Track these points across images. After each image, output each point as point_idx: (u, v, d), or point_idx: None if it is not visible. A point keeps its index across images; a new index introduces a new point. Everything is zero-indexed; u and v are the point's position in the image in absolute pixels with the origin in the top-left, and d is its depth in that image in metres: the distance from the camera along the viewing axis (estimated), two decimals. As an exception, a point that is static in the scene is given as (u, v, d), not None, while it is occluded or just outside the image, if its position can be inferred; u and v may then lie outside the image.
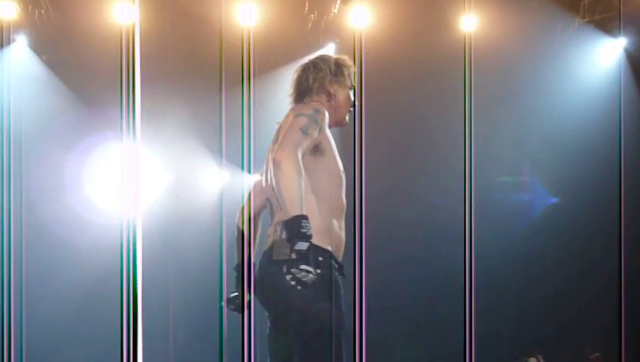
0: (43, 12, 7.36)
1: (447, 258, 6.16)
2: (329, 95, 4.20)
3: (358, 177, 4.46)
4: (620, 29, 7.91)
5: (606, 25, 7.92)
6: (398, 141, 7.45)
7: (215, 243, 4.67)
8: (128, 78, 4.59)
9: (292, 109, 4.17)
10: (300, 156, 3.84)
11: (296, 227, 3.69)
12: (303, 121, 3.93)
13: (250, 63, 5.29)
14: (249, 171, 5.18)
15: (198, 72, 7.47)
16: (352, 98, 4.24)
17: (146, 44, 6.83)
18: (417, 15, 7.73)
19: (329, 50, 8.30)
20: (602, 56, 8.04)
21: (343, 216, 4.08)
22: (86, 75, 7.50)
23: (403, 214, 7.48)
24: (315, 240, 3.76)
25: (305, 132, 3.91)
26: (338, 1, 7.63)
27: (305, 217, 3.70)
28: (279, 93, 7.81)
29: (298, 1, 7.80)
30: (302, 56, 8.22)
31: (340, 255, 4.03)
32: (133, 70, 4.39)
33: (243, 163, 5.01)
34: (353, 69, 4.26)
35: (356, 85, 4.37)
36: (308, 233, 3.68)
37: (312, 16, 7.92)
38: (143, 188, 7.26)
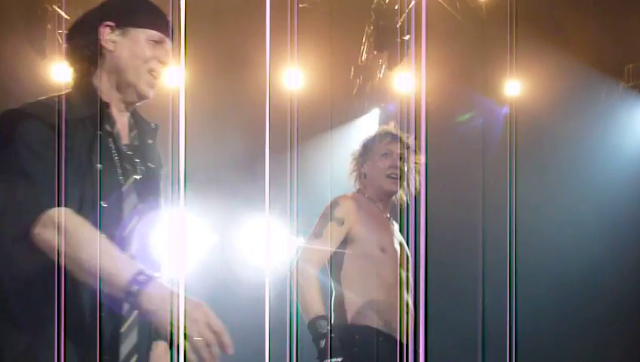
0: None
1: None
2: (362, 175, 4.52)
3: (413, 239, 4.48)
4: (665, 93, 7.89)
5: (651, 89, 7.91)
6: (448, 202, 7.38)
7: (259, 304, 4.69)
8: (173, 142, 4.68)
9: (336, 197, 4.43)
10: (316, 264, 4.17)
11: (313, 329, 4.00)
12: (319, 225, 4.28)
13: (295, 127, 5.36)
14: (295, 233, 5.31)
15: (242, 135, 7.56)
16: (388, 163, 4.43)
17: (191, 107, 6.97)
18: (462, 79, 7.79)
19: (374, 114, 8.38)
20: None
21: (398, 290, 4.22)
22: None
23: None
24: (354, 319, 4.11)
25: (318, 236, 4.24)
26: (383, 67, 7.72)
27: (322, 317, 4.01)
28: (324, 158, 7.94)
29: (344, 66, 7.91)
30: (348, 121, 8.33)
31: (393, 327, 4.15)
32: (177, 133, 4.48)
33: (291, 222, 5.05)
34: (386, 133, 4.52)
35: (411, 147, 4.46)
36: (322, 332, 3.96)
37: (358, 81, 8.02)
38: (188, 251, 7.35)
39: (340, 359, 3.94)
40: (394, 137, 4.51)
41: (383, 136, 4.52)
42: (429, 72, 7.81)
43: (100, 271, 2.18)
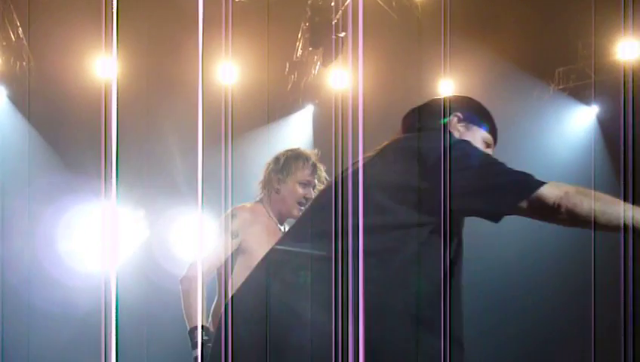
0: (25, 64, 7.40)
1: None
2: (274, 189, 4.49)
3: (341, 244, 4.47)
4: (593, 97, 8.05)
5: (580, 93, 8.06)
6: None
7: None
8: (106, 135, 4.62)
9: (235, 208, 4.45)
10: (205, 275, 4.27)
11: (190, 337, 4.18)
12: (213, 236, 4.36)
13: (229, 122, 5.33)
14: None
15: (175, 130, 7.49)
16: (307, 192, 4.49)
17: (124, 99, 6.89)
18: (395, 77, 7.83)
19: (308, 110, 8.39)
20: (575, 123, 8.16)
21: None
22: (65, 129, 7.52)
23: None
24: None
25: (213, 248, 4.33)
26: (318, 63, 7.72)
27: (196, 328, 4.17)
28: (257, 153, 7.91)
29: (279, 61, 7.89)
30: (281, 116, 8.32)
31: None
32: (109, 126, 4.43)
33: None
34: (311, 164, 4.50)
35: (335, 146, 4.49)
36: (198, 342, 4.14)
37: (292, 77, 8.01)
38: (120, 246, 7.25)
39: None
40: (314, 170, 4.51)
41: (307, 164, 4.51)
42: (365, 69, 7.88)
43: None
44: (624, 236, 2.32)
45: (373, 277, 2.40)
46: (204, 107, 5.45)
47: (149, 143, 7.61)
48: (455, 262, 2.50)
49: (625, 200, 2.44)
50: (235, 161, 6.28)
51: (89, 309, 6.79)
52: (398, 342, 2.41)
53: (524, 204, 2.39)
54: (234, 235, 4.34)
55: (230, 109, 6.65)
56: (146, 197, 7.53)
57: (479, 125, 2.81)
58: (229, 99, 7.00)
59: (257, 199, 4.55)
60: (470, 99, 2.91)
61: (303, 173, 4.47)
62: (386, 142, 2.71)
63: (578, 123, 8.17)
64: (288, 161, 4.50)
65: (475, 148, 2.62)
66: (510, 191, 2.43)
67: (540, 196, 2.39)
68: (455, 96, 2.95)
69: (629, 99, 5.45)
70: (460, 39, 6.69)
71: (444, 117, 2.75)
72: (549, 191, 2.39)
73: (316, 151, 4.59)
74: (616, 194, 2.62)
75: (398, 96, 7.87)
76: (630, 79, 6.76)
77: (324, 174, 4.51)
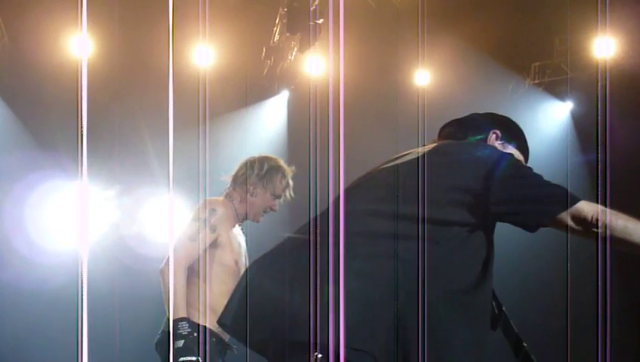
0: (-2, 42, 7.32)
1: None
2: (250, 193, 4.65)
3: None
4: (567, 93, 8.09)
5: (555, 88, 8.10)
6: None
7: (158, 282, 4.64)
8: (78, 115, 4.58)
9: (208, 202, 4.57)
10: (184, 267, 4.39)
11: (175, 329, 4.28)
12: (194, 228, 4.45)
13: (203, 105, 5.30)
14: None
15: (148, 110, 7.44)
16: (275, 203, 4.69)
17: (98, 78, 6.83)
18: (372, 66, 7.83)
19: (283, 96, 8.36)
20: (550, 118, 8.20)
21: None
22: (38, 107, 7.44)
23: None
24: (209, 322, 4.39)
25: (193, 239, 4.43)
26: (295, 49, 7.69)
27: (182, 319, 4.28)
28: (232, 136, 7.88)
29: (255, 46, 7.85)
30: (257, 101, 8.28)
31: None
32: (80, 105, 4.39)
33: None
34: (287, 180, 4.70)
35: (311, 132, 4.58)
36: (183, 333, 4.25)
37: (269, 62, 7.97)
38: (91, 225, 7.20)
39: (194, 358, 4.23)
40: (287, 186, 4.70)
41: (284, 179, 4.70)
42: (343, 58, 7.86)
43: None
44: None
45: (409, 260, 2.50)
46: (179, 89, 5.41)
47: (120, 123, 7.55)
48: (487, 263, 2.61)
49: (599, 197, 2.51)
50: (210, 143, 6.26)
51: (59, 287, 6.75)
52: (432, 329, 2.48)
53: (563, 216, 2.52)
54: (212, 229, 4.47)
55: (206, 92, 6.61)
56: (116, 177, 7.48)
57: (514, 145, 2.95)
58: (205, 82, 6.96)
59: (224, 194, 4.68)
60: (508, 118, 3.05)
61: (280, 186, 4.67)
62: (434, 143, 2.83)
63: (552, 118, 8.21)
64: (271, 171, 4.67)
65: (519, 161, 2.80)
66: (551, 202, 2.56)
67: (580, 210, 2.53)
68: (494, 113, 3.08)
69: (604, 97, 5.48)
70: (437, 29, 6.70)
71: (482, 133, 2.90)
72: (587, 206, 2.53)
73: (293, 168, 4.78)
74: (588, 191, 2.66)
75: (375, 85, 7.88)
76: (606, 76, 6.79)
77: (291, 192, 4.73)
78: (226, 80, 7.54)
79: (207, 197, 4.61)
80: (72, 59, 7.10)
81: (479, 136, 2.89)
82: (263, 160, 4.70)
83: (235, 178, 4.68)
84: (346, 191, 2.77)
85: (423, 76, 7.86)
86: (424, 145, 2.80)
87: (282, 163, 4.76)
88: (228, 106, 7.85)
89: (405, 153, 2.78)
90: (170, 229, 6.60)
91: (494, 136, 2.90)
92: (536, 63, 7.98)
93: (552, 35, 7.80)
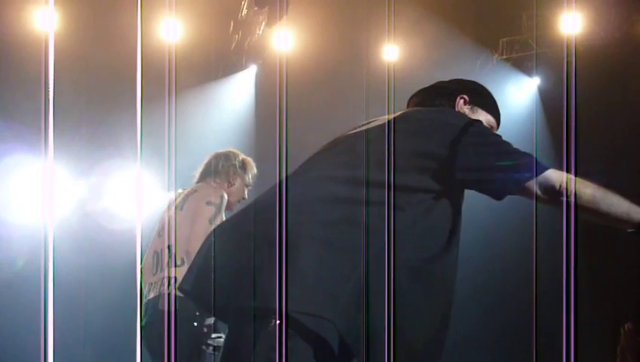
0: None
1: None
2: (229, 183, 4.80)
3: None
4: (534, 69, 8.13)
5: (522, 64, 8.14)
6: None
7: (130, 251, 4.65)
8: (46, 89, 4.53)
9: (199, 190, 4.68)
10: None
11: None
12: (212, 211, 4.55)
13: (173, 79, 5.27)
14: (171, 186, 5.45)
15: (115, 84, 7.36)
16: (246, 193, 4.86)
17: (63, 53, 6.75)
18: (340, 40, 7.81)
19: (251, 71, 8.32)
20: (517, 93, 8.24)
21: None
22: (2, 82, 7.35)
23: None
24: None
25: (211, 222, 4.50)
26: (263, 24, 7.64)
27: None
28: (199, 111, 7.84)
29: (223, 20, 7.79)
30: (224, 75, 8.24)
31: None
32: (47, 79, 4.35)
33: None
34: (254, 171, 4.89)
35: (282, 108, 4.64)
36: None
37: (237, 36, 7.91)
38: (57, 200, 7.14)
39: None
40: (254, 175, 4.91)
41: (253, 172, 4.89)
42: (309, 31, 7.84)
43: None
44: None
45: (373, 226, 2.46)
46: (145, 63, 5.37)
47: (87, 97, 7.49)
48: (453, 232, 2.58)
49: (566, 171, 2.52)
50: (177, 117, 6.23)
51: (24, 259, 6.72)
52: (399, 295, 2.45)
53: (530, 184, 2.50)
54: (221, 215, 4.60)
55: (173, 66, 6.57)
56: (83, 151, 7.42)
57: (484, 109, 2.94)
58: (172, 55, 6.91)
59: (201, 184, 4.77)
60: (475, 82, 3.03)
61: (251, 175, 4.86)
62: (401, 112, 2.77)
63: (520, 93, 8.26)
64: (244, 163, 4.86)
65: (487, 128, 2.77)
66: (518, 170, 2.53)
67: (548, 178, 2.51)
68: (460, 79, 3.05)
69: (571, 73, 5.52)
70: (406, 2, 6.70)
71: (450, 99, 2.88)
72: (555, 174, 2.52)
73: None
74: (554, 165, 2.68)
75: (344, 58, 7.87)
76: (572, 52, 6.83)
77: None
78: (193, 54, 7.49)
79: (198, 185, 4.73)
80: (38, 33, 7.02)
81: (446, 103, 2.87)
82: (232, 153, 4.87)
83: (211, 170, 4.79)
84: (312, 156, 2.75)
85: (392, 50, 7.85)
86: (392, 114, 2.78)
87: (251, 160, 4.96)
88: (196, 80, 7.80)
89: (372, 120, 2.76)
90: (138, 203, 6.57)
91: (462, 101, 2.88)
92: (505, 39, 8.01)
93: (519, 11, 7.83)
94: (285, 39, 7.67)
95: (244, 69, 8.28)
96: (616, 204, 2.51)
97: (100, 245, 7.10)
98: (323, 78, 7.75)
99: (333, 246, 2.45)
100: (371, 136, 2.64)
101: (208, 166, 4.81)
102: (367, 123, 2.74)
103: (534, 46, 7.93)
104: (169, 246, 4.54)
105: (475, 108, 2.90)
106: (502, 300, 7.82)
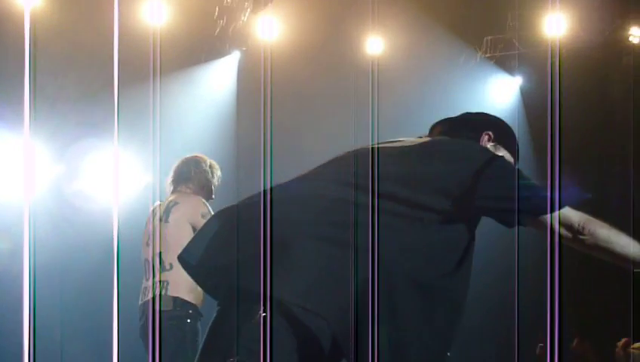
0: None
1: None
2: (202, 187, 5.02)
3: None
4: (517, 68, 8.17)
5: (505, 62, 8.17)
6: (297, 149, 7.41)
7: (105, 232, 4.63)
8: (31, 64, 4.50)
9: (182, 203, 4.91)
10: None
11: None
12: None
13: (157, 62, 5.25)
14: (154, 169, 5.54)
15: (94, 63, 7.30)
16: (213, 195, 5.08)
17: (41, 30, 6.68)
18: (325, 31, 7.79)
19: (234, 57, 8.29)
20: (499, 91, 8.27)
21: None
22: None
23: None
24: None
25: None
26: (248, 10, 7.61)
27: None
28: (182, 95, 7.80)
29: (208, 5, 7.74)
30: (207, 60, 8.20)
31: None
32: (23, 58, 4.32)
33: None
34: (219, 174, 5.14)
35: (265, 96, 4.64)
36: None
37: (221, 22, 7.87)
38: (33, 178, 7.08)
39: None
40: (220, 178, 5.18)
41: (218, 171, 5.14)
42: (295, 22, 7.82)
43: None
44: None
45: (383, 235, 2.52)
46: (129, 45, 5.34)
47: (65, 77, 7.42)
48: (465, 255, 2.65)
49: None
50: (160, 101, 6.18)
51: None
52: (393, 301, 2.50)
53: (544, 219, 2.59)
54: None
55: (156, 50, 6.53)
56: (59, 130, 7.35)
57: (506, 147, 3.00)
58: (156, 39, 6.87)
59: (178, 195, 4.97)
60: (500, 119, 3.10)
61: (217, 181, 5.13)
62: (427, 138, 2.89)
63: (502, 92, 8.28)
64: (212, 167, 5.12)
65: (510, 163, 2.88)
66: (535, 204, 2.60)
67: (565, 215, 2.61)
68: (487, 114, 3.15)
69: (555, 73, 5.54)
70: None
71: (476, 133, 2.96)
72: (572, 213, 2.62)
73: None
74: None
75: (328, 48, 7.85)
76: (557, 53, 6.86)
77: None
78: (177, 38, 7.44)
79: (176, 196, 4.94)
80: (17, 9, 6.94)
81: (472, 136, 2.95)
82: (200, 158, 5.09)
83: (178, 178, 5.01)
84: (325, 164, 2.79)
85: (376, 42, 7.84)
86: (420, 137, 2.85)
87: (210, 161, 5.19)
88: (179, 65, 7.76)
89: (393, 140, 2.83)
90: (115, 185, 6.54)
91: (487, 137, 2.96)
92: (489, 37, 8.03)
93: (505, 10, 7.85)
94: (270, 27, 7.64)
95: (228, 54, 8.24)
96: (628, 244, 2.60)
97: (76, 225, 7.05)
98: (307, 67, 7.73)
99: (343, 246, 2.49)
100: (396, 153, 2.73)
101: (179, 173, 5.02)
102: (391, 142, 2.82)
103: (517, 45, 7.96)
104: (160, 253, 4.72)
105: (499, 146, 2.98)
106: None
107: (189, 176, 4.99)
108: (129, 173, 7.22)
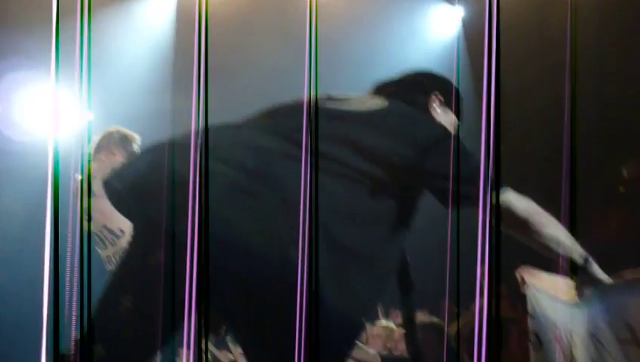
0: None
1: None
2: (112, 153, 5.35)
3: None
4: (458, -2, 8.11)
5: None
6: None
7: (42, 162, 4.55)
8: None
9: (97, 174, 4.91)
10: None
11: None
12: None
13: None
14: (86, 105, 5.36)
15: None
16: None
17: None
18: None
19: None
20: (440, 23, 8.18)
21: None
22: None
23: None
24: None
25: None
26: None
27: None
28: (115, 30, 7.61)
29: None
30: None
31: None
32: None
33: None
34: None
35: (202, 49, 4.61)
36: None
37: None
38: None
39: None
40: None
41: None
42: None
43: None
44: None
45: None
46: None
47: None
48: (398, 228, 2.71)
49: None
50: (92, 34, 6.03)
51: None
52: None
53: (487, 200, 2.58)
54: None
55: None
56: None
57: (452, 109, 3.07)
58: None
59: (94, 165, 5.19)
60: (447, 80, 3.15)
61: (134, 149, 5.41)
62: (376, 105, 2.89)
63: (443, 23, 8.20)
64: (126, 137, 5.43)
65: (464, 146, 2.85)
66: (475, 184, 2.58)
67: (509, 204, 2.69)
68: (433, 74, 3.19)
69: (493, 4, 5.52)
70: None
71: (426, 94, 3.01)
72: (517, 201, 2.70)
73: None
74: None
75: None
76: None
77: None
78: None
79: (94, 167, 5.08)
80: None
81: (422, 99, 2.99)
82: (115, 130, 5.37)
83: (95, 151, 5.23)
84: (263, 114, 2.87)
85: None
86: (360, 97, 2.93)
87: None
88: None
89: (343, 98, 2.81)
90: (54, 118, 6.41)
91: (438, 101, 3.04)
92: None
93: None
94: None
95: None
96: (547, 224, 2.68)
97: (9, 156, 6.94)
98: (244, 9, 7.61)
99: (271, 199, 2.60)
100: (349, 117, 2.79)
101: (95, 146, 5.26)
102: (340, 100, 2.86)
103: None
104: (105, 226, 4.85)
105: (446, 108, 3.04)
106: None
107: (100, 145, 5.27)
108: (64, 107, 7.08)
